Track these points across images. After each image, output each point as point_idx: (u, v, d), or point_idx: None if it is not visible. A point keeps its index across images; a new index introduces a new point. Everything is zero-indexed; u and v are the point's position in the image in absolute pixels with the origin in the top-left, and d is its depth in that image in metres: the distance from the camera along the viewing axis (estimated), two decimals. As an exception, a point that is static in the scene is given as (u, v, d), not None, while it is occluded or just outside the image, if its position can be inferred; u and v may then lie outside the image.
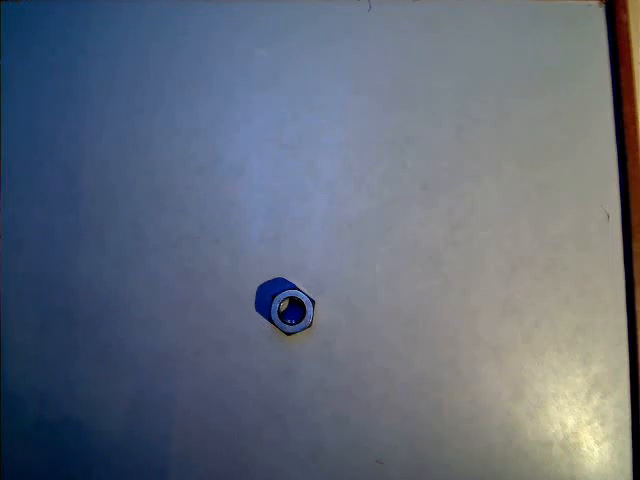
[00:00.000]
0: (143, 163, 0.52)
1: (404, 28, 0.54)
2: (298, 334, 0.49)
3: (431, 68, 0.53)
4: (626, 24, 0.53)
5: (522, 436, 0.49)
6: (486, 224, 0.51)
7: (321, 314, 0.50)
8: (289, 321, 0.49)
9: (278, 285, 0.50)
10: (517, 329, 0.50)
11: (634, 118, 0.52)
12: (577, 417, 0.50)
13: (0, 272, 0.50)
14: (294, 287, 0.50)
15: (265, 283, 0.50)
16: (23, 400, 0.49)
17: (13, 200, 0.51)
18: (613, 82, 0.53)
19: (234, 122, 0.52)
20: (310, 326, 0.49)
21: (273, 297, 0.49)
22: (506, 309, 0.50)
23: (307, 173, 0.52)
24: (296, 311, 0.50)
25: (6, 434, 0.49)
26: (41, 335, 0.50)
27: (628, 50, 0.53)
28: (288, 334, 0.49)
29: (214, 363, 0.50)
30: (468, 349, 0.50)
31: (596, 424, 0.50)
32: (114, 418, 0.49)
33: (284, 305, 0.50)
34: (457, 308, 0.50)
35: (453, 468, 0.49)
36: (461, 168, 0.52)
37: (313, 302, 0.49)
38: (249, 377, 0.50)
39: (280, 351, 0.50)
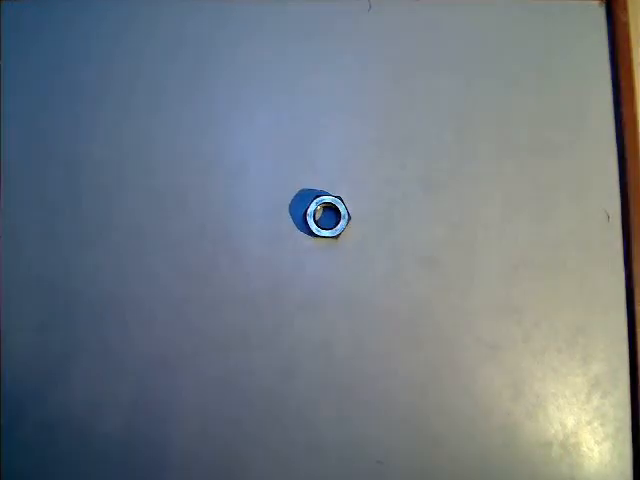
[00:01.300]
0: (143, 163, 0.52)
1: (404, 28, 0.54)
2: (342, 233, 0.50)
3: (431, 68, 0.53)
4: (626, 24, 0.53)
5: (522, 436, 0.49)
6: (486, 224, 0.51)
7: (321, 314, 0.50)
8: (325, 226, 0.50)
9: (304, 200, 0.51)
10: (517, 329, 0.50)
11: (634, 118, 0.52)
12: (577, 417, 0.50)
13: (0, 272, 0.50)
14: (318, 195, 0.50)
15: (295, 198, 0.51)
16: (23, 400, 0.49)
17: (13, 200, 0.51)
18: (613, 82, 0.53)
19: (234, 122, 0.52)
20: (350, 218, 0.50)
21: (305, 215, 0.50)
22: (506, 309, 0.50)
23: (307, 173, 0.52)
24: (329, 216, 0.51)
25: (6, 434, 0.49)
26: (41, 335, 0.50)
27: (628, 50, 0.53)
28: (336, 236, 0.50)
29: (214, 363, 0.50)
30: (468, 349, 0.50)
31: (596, 424, 0.50)
32: (114, 418, 0.49)
33: (318, 214, 0.51)
34: (457, 308, 0.50)
35: (453, 468, 0.49)
36: (461, 168, 0.52)
37: (340, 198, 0.50)
38: (249, 377, 0.50)
39: (281, 350, 0.50)
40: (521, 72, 0.53)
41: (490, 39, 0.54)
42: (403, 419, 0.49)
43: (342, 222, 0.49)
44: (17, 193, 0.51)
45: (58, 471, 0.49)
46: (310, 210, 0.49)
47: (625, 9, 0.53)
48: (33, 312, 0.50)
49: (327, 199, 0.50)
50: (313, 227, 0.49)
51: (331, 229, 0.50)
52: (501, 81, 0.53)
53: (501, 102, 0.53)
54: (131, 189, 0.51)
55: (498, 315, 0.50)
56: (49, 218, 0.51)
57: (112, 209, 0.51)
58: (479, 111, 0.53)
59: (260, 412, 0.49)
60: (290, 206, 0.51)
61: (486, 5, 0.54)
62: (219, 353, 0.50)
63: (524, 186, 0.52)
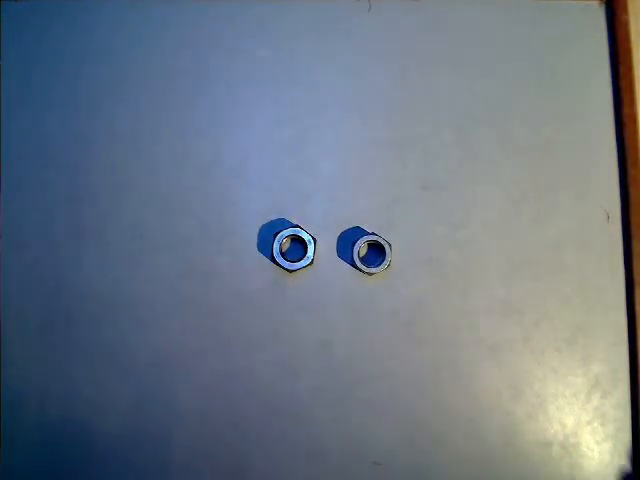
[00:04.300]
0: (143, 163, 0.52)
1: (404, 28, 0.54)
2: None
3: (431, 68, 0.53)
4: (626, 24, 0.53)
5: (522, 436, 0.49)
6: (486, 224, 0.51)
7: (321, 314, 0.50)
8: (290, 258, 0.50)
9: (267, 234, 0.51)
10: (517, 329, 0.50)
11: (634, 118, 0.52)
12: (577, 417, 0.50)
13: (0, 272, 0.50)
14: (277, 232, 0.49)
15: (267, 224, 0.51)
16: (23, 400, 0.49)
17: (13, 200, 0.51)
18: (613, 82, 0.53)
19: (234, 122, 0.52)
20: (316, 241, 0.49)
21: (272, 257, 0.49)
22: (506, 309, 0.50)
23: (307, 173, 0.52)
24: (296, 245, 0.51)
25: (6, 434, 0.49)
26: (41, 335, 0.50)
27: (628, 50, 0.53)
28: (311, 263, 0.49)
29: (215, 363, 0.50)
30: (468, 349, 0.50)
31: (596, 424, 0.50)
32: (115, 418, 0.49)
33: (285, 247, 0.51)
34: (457, 308, 0.50)
35: (453, 468, 0.49)
36: (461, 168, 0.52)
37: (299, 226, 0.49)
38: (250, 377, 0.50)
39: (281, 350, 0.50)
40: (521, 72, 0.53)
41: (490, 39, 0.54)
42: (403, 419, 0.49)
43: (309, 248, 0.49)
44: (17, 193, 0.51)
45: (58, 471, 0.49)
46: (276, 251, 0.49)
47: (625, 9, 0.53)
48: (33, 312, 0.50)
49: (286, 233, 0.49)
50: (286, 265, 0.49)
51: (301, 259, 0.49)
52: (501, 81, 0.53)
53: (501, 102, 0.53)
54: (131, 189, 0.51)
55: (498, 315, 0.50)
56: (49, 218, 0.51)
57: (112, 209, 0.51)
58: (479, 111, 0.53)
59: (260, 411, 0.49)
60: (258, 246, 0.51)
61: (486, 5, 0.54)
62: (219, 353, 0.50)
63: (524, 186, 0.52)
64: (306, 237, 0.49)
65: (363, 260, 0.49)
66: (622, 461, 0.49)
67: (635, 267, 0.50)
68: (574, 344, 0.50)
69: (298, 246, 0.50)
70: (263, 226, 0.51)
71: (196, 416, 0.49)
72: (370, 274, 0.49)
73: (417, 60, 0.53)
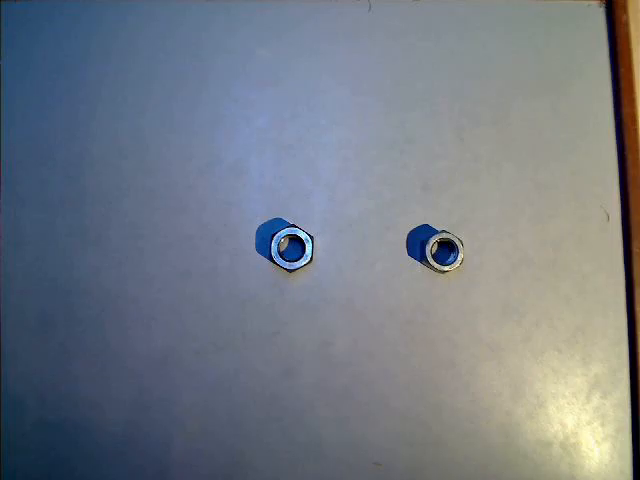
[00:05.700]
0: (143, 163, 0.52)
1: (404, 28, 0.54)
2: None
3: (431, 68, 0.53)
4: (626, 24, 0.53)
5: (522, 436, 0.49)
6: (486, 224, 0.51)
7: (321, 314, 0.50)
8: (287, 258, 0.50)
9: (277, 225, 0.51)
10: (517, 329, 0.50)
11: (634, 118, 0.52)
12: (577, 417, 0.50)
13: (0, 272, 0.50)
14: (274, 233, 0.49)
15: (265, 224, 0.51)
16: (23, 400, 0.49)
17: (13, 200, 0.51)
18: (613, 82, 0.53)
19: (234, 122, 0.52)
20: (313, 238, 0.49)
21: (271, 258, 0.49)
22: (506, 309, 0.50)
23: (307, 173, 0.52)
24: (296, 248, 0.51)
25: (6, 434, 0.49)
26: (41, 335, 0.50)
27: (628, 50, 0.53)
28: (310, 261, 0.49)
29: (214, 363, 0.50)
30: (468, 349, 0.50)
31: (596, 424, 0.50)
32: (114, 418, 0.49)
33: (283, 246, 0.51)
34: (457, 308, 0.50)
35: (453, 468, 0.49)
36: (461, 168, 0.52)
37: (295, 225, 0.50)
38: (249, 377, 0.50)
39: (281, 349, 0.50)
40: (521, 72, 0.53)
41: (490, 39, 0.54)
42: (403, 419, 0.49)
43: (308, 247, 0.49)
44: (17, 193, 0.51)
45: (58, 471, 0.49)
46: (274, 251, 0.49)
47: (625, 9, 0.53)
48: (33, 312, 0.50)
49: (283, 233, 0.49)
50: (285, 264, 0.49)
51: (300, 258, 0.49)
52: (501, 81, 0.53)
53: (501, 102, 0.53)
54: (131, 189, 0.51)
55: (498, 315, 0.50)
56: (49, 218, 0.51)
57: (112, 209, 0.51)
58: (479, 111, 0.53)
59: (259, 412, 0.49)
60: (257, 246, 0.51)
61: (486, 5, 0.54)
62: (219, 353, 0.50)
63: (524, 186, 0.52)
64: (303, 236, 0.49)
65: (435, 257, 0.50)
66: (622, 461, 0.49)
67: (635, 267, 0.50)
68: (574, 344, 0.50)
69: (297, 245, 0.50)
70: (262, 226, 0.51)
71: (196, 415, 0.49)
72: (442, 272, 0.49)
73: (417, 60, 0.53)
